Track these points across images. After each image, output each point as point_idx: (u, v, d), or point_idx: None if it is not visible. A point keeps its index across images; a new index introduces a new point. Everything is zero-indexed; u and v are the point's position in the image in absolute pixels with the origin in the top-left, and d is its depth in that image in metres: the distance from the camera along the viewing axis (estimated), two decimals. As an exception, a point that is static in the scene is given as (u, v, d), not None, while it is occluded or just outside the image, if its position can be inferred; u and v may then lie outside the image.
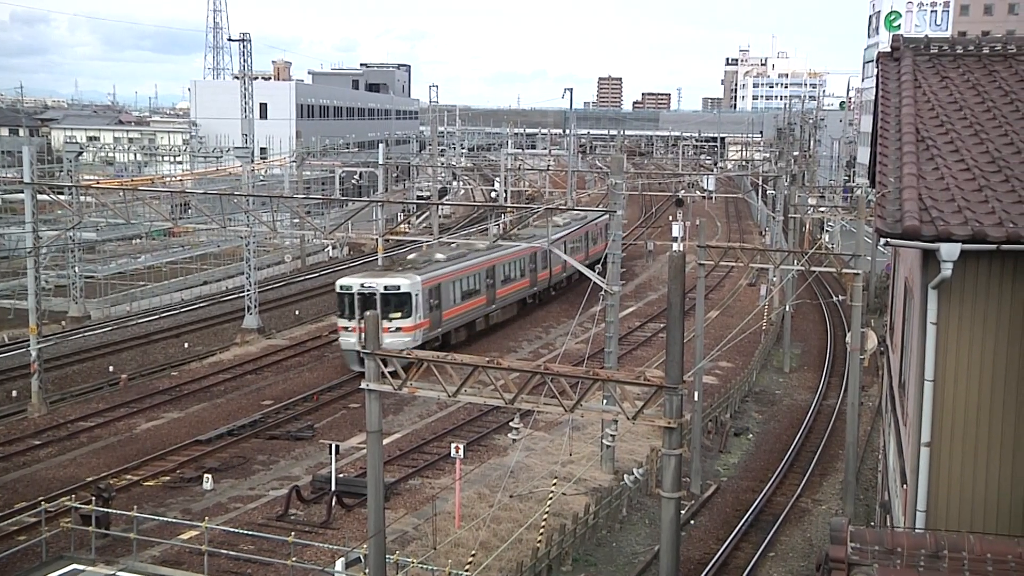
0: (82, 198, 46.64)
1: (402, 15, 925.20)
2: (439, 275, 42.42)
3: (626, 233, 50.24)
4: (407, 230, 76.06)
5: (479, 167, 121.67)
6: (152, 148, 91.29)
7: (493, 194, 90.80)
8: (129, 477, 28.92)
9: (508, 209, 68.41)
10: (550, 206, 62.16)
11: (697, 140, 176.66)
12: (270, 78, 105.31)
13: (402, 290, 39.65)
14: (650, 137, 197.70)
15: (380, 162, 72.45)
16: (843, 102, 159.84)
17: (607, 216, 61.75)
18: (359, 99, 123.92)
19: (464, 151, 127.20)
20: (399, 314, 39.39)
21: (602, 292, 30.35)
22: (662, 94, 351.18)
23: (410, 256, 46.87)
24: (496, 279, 47.86)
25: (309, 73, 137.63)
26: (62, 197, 47.50)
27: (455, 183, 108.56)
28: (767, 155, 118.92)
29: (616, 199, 29.63)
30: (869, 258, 51.46)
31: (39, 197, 42.87)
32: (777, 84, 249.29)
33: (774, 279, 50.07)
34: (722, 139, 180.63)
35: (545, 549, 23.53)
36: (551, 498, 25.63)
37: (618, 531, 27.10)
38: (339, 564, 20.99)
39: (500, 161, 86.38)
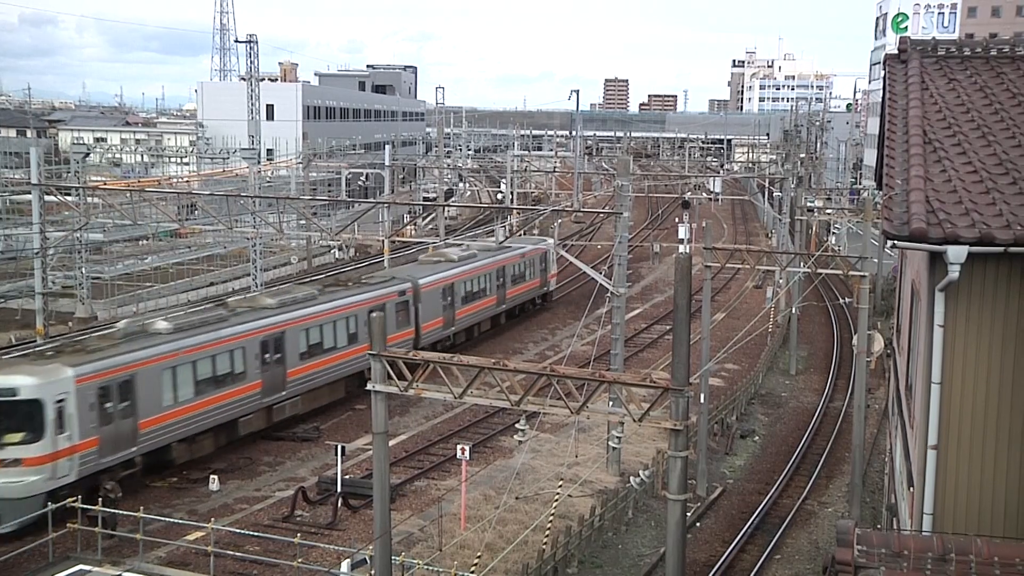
0: (89, 199, 46.72)
1: (409, 17, 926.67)
2: (129, 361, 26.90)
3: (632, 235, 49.11)
4: (413, 232, 76.13)
5: (485, 169, 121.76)
6: (159, 149, 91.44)
7: (499, 196, 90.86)
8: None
9: (515, 211, 68.40)
10: (556, 207, 61.88)
11: (703, 142, 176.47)
12: (277, 79, 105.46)
13: (22, 396, 24.52)
14: (656, 139, 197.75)
15: (386, 163, 72.54)
16: (850, 104, 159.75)
17: (547, 243, 53.46)
18: (365, 100, 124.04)
19: (470, 153, 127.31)
20: (18, 436, 24.54)
21: (608, 294, 30.34)
22: (668, 96, 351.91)
23: (115, 327, 30.23)
24: (286, 352, 32.59)
25: (316, 75, 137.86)
26: (69, 198, 47.60)
27: (461, 184, 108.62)
28: (773, 157, 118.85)
29: (623, 201, 29.62)
30: (876, 260, 51.40)
31: (46, 198, 43.02)
32: (784, 86, 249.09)
33: (780, 281, 50.02)
34: (728, 141, 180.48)
35: (551, 551, 23.52)
36: (557, 500, 25.62)
37: (624, 533, 27.09)
38: (345, 565, 21.00)
39: (506, 163, 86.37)
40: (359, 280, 39.59)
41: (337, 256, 70.42)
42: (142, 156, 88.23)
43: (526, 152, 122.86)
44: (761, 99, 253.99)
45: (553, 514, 24.96)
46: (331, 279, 41.33)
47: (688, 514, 22.08)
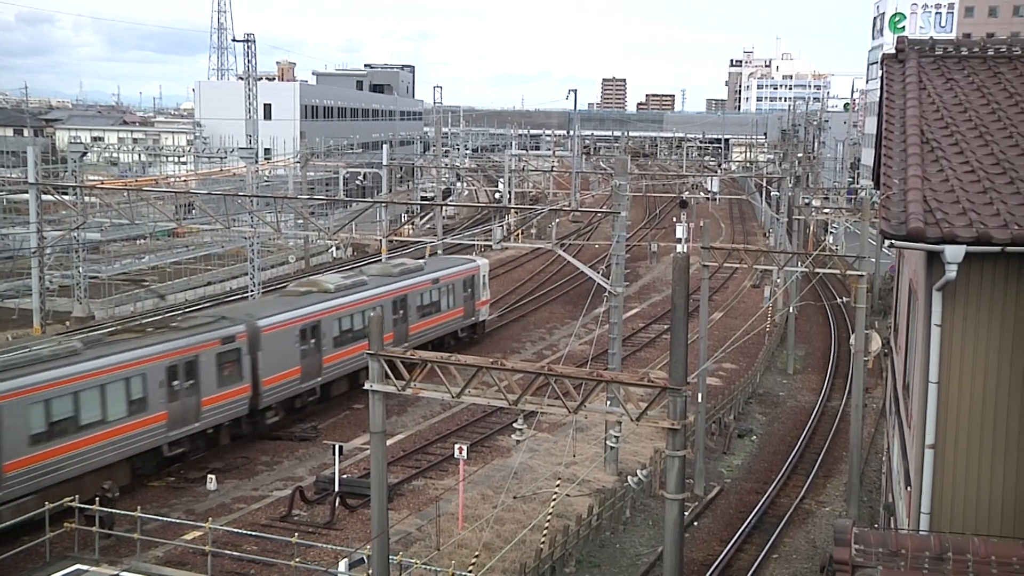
0: (86, 198, 46.71)
1: (407, 16, 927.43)
2: None
3: (630, 235, 48.54)
4: (411, 231, 76.12)
5: (483, 168, 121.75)
6: (156, 149, 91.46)
7: (497, 195, 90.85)
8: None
9: (512, 210, 68.42)
10: (553, 207, 61.84)
11: (701, 141, 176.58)
12: (274, 79, 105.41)
13: None
14: (654, 138, 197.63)
15: (384, 163, 72.51)
16: (847, 104, 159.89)
17: (477, 263, 44.72)
18: (363, 100, 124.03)
19: (468, 152, 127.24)
20: None
21: (606, 293, 30.34)
22: (666, 95, 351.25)
23: None
24: (1, 436, 23.83)
25: (313, 74, 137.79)
26: (66, 197, 47.61)
27: (459, 184, 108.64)
28: (771, 157, 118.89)
29: (620, 200, 29.62)
30: (873, 260, 51.39)
31: (44, 197, 43.01)
32: (781, 86, 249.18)
33: (778, 281, 50.05)
34: (726, 140, 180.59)
35: (548, 550, 23.52)
36: (555, 499, 25.62)
37: (621, 532, 27.10)
38: (343, 565, 20.99)
39: (504, 162, 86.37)
40: (166, 325, 30.72)
41: (335, 255, 70.47)
42: (139, 155, 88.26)
43: (524, 151, 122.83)
44: (759, 99, 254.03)
45: (551, 513, 24.96)
46: (125, 327, 33.44)
47: (686, 513, 22.09)
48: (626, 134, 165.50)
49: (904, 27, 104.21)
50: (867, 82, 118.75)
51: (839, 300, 55.98)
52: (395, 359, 15.32)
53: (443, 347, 42.21)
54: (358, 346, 34.78)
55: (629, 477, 29.19)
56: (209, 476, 28.63)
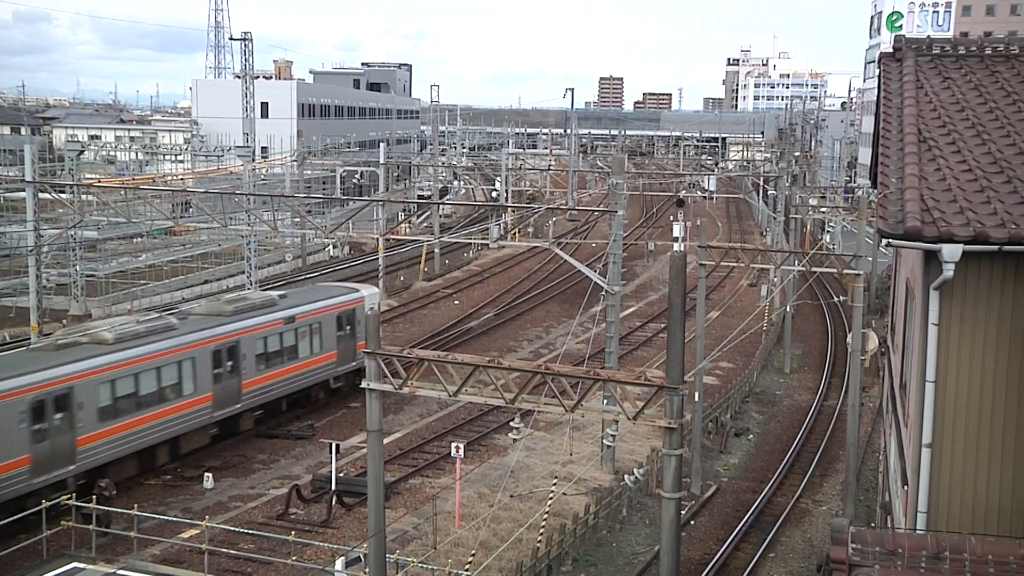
0: (83, 197, 46.63)
1: (404, 15, 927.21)
2: None
3: (627, 233, 48.43)
4: (408, 230, 76.06)
5: (480, 167, 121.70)
6: (153, 147, 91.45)
7: (494, 194, 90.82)
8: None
9: (509, 209, 68.38)
10: (550, 205, 61.81)
11: (698, 140, 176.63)
12: (271, 77, 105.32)
13: None
14: (651, 137, 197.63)
15: (381, 161, 72.45)
16: (844, 103, 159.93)
17: (362, 292, 36.24)
18: (360, 98, 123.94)
19: (465, 151, 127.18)
20: None
21: (603, 292, 30.33)
22: (663, 94, 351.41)
23: None
24: None
25: (310, 72, 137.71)
26: (63, 196, 47.49)
27: (456, 183, 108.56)
28: (768, 155, 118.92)
29: (617, 199, 29.61)
30: (870, 259, 51.42)
31: (41, 196, 42.91)
32: (778, 84, 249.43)
33: (775, 280, 50.07)
34: (723, 139, 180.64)
35: (545, 549, 23.52)
36: (551, 498, 25.62)
37: (618, 531, 27.10)
38: (339, 563, 20.99)
39: (501, 161, 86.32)
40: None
41: (332, 254, 70.41)
42: (137, 153, 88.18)
43: (521, 150, 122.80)
44: (756, 97, 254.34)
45: (547, 512, 24.96)
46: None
47: (682, 512, 22.09)
48: (623, 133, 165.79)
49: (901, 26, 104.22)
50: (864, 81, 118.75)
51: (836, 299, 55.98)
52: (392, 357, 15.31)
53: (309, 401, 34.70)
54: (152, 414, 27.71)
55: (626, 476, 29.19)
56: (206, 474, 28.62)
